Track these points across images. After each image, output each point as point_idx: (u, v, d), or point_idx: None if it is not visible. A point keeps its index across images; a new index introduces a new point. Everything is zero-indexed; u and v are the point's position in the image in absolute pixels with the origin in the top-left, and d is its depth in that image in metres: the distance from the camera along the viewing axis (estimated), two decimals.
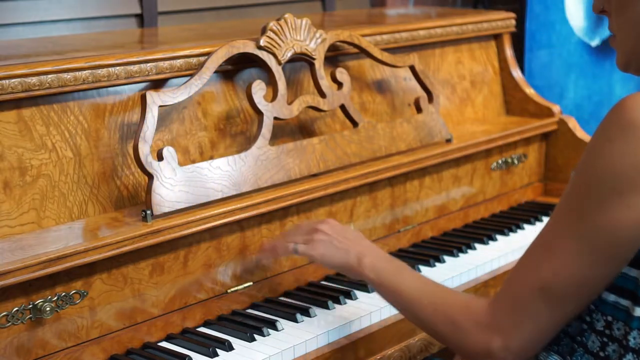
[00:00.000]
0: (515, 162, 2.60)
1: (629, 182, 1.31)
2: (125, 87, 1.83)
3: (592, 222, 1.35)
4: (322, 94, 2.10)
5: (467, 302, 1.53)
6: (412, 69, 2.33)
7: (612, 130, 1.33)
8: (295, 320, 1.83)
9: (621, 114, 1.32)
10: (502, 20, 2.72)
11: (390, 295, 1.64)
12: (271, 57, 2.00)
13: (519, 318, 1.42)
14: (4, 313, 1.53)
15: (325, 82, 2.11)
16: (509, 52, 2.74)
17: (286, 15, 2.04)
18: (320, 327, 1.81)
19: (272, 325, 1.80)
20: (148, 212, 1.72)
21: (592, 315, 1.44)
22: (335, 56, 2.22)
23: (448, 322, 1.51)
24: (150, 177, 1.74)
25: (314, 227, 1.80)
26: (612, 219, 1.33)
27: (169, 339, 1.77)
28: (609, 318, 1.43)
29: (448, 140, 2.35)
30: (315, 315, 1.86)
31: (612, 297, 1.42)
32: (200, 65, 1.89)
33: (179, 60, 1.89)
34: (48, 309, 1.57)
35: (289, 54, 2.02)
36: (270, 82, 2.01)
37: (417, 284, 1.61)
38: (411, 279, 1.63)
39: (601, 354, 1.43)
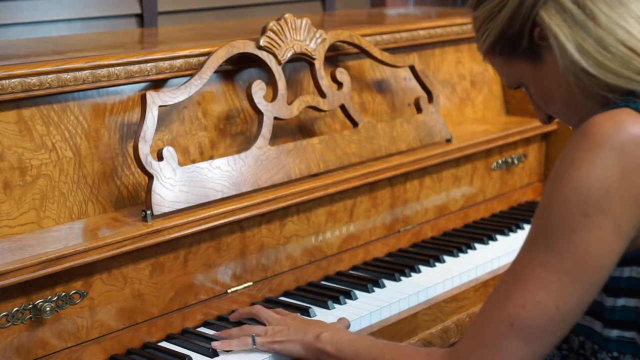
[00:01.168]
0: (515, 162, 2.60)
1: (596, 204, 1.27)
2: (125, 87, 1.83)
3: (560, 248, 1.30)
4: (322, 94, 2.10)
5: (428, 352, 1.47)
6: (412, 69, 2.33)
7: (575, 154, 1.30)
8: None
9: (585, 137, 1.29)
10: None
11: None
12: (271, 57, 2.00)
13: (486, 356, 1.35)
14: (4, 313, 1.53)
15: (325, 82, 2.11)
16: None
17: (286, 15, 2.04)
18: None
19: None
20: (148, 212, 1.72)
21: (597, 355, 1.41)
22: (335, 56, 2.22)
23: None
24: (150, 177, 1.74)
25: (275, 318, 1.75)
26: (581, 243, 1.29)
27: (169, 339, 1.77)
28: (615, 354, 1.40)
29: (448, 140, 2.35)
30: (315, 316, 1.85)
31: (614, 333, 1.39)
32: (200, 65, 1.89)
33: (179, 60, 1.88)
34: (48, 309, 1.57)
35: (289, 54, 2.02)
36: (270, 82, 2.01)
37: (376, 344, 1.57)
38: (369, 342, 1.59)
39: None
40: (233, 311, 1.87)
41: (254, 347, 1.69)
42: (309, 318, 1.81)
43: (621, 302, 1.36)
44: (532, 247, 1.34)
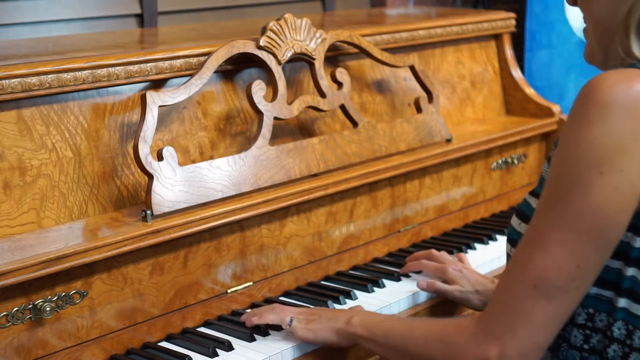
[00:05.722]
0: (515, 162, 2.60)
1: (611, 163, 1.29)
2: (125, 87, 1.83)
3: (576, 208, 1.32)
4: (322, 94, 2.10)
5: (458, 321, 1.49)
6: (412, 69, 2.33)
7: (589, 112, 1.31)
8: None
9: (597, 95, 1.31)
10: (502, 20, 2.72)
11: (382, 343, 1.59)
12: (271, 57, 2.00)
13: (512, 320, 1.37)
14: (4, 313, 1.53)
15: (325, 82, 2.11)
16: (509, 52, 2.74)
17: (286, 15, 2.04)
18: None
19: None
20: (148, 212, 1.72)
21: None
22: (335, 56, 2.22)
23: (441, 345, 1.46)
24: (150, 177, 1.74)
25: (302, 310, 1.77)
26: (597, 202, 1.30)
27: (169, 339, 1.77)
28: (591, 310, 1.43)
29: (448, 140, 2.35)
30: None
31: (593, 290, 1.41)
32: (200, 65, 1.89)
33: (179, 60, 1.89)
34: (48, 309, 1.57)
35: (289, 54, 2.02)
36: (270, 82, 2.01)
37: (406, 321, 1.61)
38: (399, 321, 1.62)
39: (585, 346, 1.44)
40: (234, 311, 1.87)
41: (289, 327, 1.73)
42: (333, 308, 1.84)
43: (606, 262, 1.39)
44: (548, 209, 1.36)
